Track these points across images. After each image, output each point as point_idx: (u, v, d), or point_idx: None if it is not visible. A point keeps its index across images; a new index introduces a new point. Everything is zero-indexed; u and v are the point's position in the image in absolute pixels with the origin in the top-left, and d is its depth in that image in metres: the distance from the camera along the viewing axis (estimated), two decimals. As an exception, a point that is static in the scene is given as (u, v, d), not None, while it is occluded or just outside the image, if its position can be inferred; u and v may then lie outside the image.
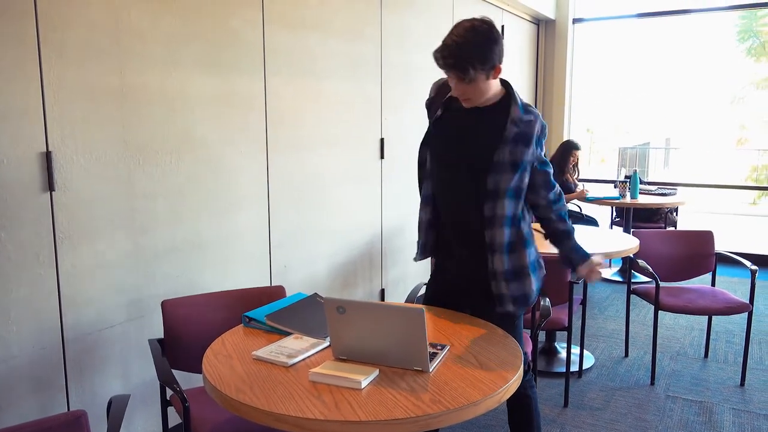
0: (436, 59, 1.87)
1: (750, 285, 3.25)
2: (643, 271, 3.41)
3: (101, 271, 2.31)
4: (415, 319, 1.53)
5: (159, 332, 2.31)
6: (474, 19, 1.85)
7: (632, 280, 4.71)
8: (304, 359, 1.66)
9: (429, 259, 2.25)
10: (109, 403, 1.76)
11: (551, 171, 2.03)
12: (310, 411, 1.37)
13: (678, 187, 5.73)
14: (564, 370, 3.38)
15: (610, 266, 5.91)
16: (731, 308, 3.25)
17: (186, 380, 2.55)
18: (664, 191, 5.41)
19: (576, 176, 5.34)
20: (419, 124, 3.12)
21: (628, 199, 5.06)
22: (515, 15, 5.86)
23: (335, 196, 3.54)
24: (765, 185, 14.02)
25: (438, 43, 1.86)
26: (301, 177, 3.26)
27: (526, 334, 2.65)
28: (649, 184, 5.94)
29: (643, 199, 5.08)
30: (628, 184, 5.12)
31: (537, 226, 2.12)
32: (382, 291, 4.10)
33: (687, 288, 3.57)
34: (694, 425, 2.88)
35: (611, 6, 6.73)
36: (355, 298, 3.67)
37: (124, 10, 2.30)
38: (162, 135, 2.49)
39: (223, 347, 1.77)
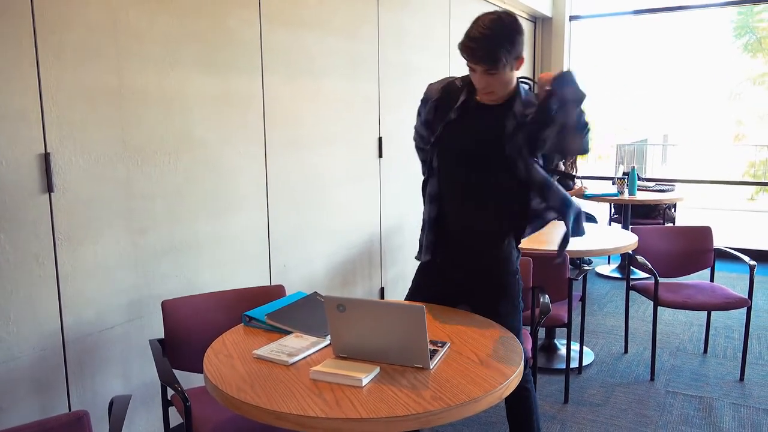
0: (463, 51, 1.86)
1: (749, 280, 3.26)
2: (642, 268, 3.42)
3: (101, 272, 2.31)
4: (416, 316, 1.53)
5: (159, 332, 2.31)
6: (497, 12, 1.88)
7: (631, 277, 4.72)
8: (304, 358, 1.67)
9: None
10: (111, 404, 1.76)
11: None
12: (311, 409, 1.38)
13: (676, 184, 5.74)
14: (564, 367, 3.39)
15: (609, 262, 5.92)
16: (730, 303, 3.26)
17: (186, 380, 2.54)
18: (662, 187, 5.42)
19: (574, 173, 5.34)
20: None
21: (626, 196, 5.07)
22: (512, 13, 5.86)
23: (334, 195, 3.54)
24: (762, 181, 14.06)
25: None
26: (299, 176, 3.26)
27: (526, 330, 2.66)
28: (647, 180, 5.96)
29: (641, 196, 5.09)
30: (626, 180, 5.13)
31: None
32: (382, 289, 4.10)
33: (686, 284, 3.58)
34: (694, 420, 2.89)
35: (608, 3, 6.74)
36: (354, 297, 3.66)
37: (121, 10, 2.30)
38: (160, 135, 2.49)
39: (224, 346, 1.77)
